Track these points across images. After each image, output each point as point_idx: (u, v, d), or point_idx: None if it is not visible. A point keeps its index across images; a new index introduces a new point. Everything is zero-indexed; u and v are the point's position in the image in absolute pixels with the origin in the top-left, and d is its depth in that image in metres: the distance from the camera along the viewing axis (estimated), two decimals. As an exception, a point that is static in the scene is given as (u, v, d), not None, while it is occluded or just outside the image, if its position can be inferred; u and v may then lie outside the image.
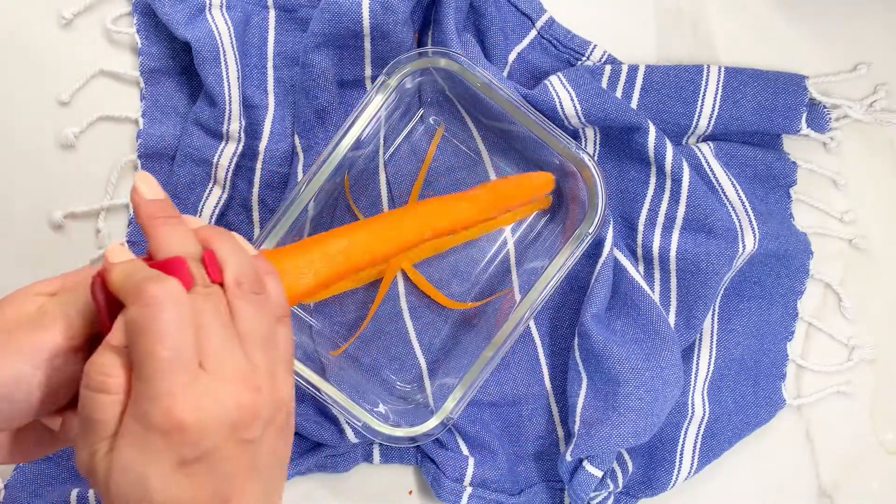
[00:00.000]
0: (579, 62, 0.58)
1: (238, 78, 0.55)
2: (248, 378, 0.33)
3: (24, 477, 0.56)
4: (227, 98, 0.54)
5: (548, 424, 0.58)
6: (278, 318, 0.36)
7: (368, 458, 0.58)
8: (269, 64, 0.57)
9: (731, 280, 0.57)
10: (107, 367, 0.32)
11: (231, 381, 0.32)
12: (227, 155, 0.55)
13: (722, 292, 0.57)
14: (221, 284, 0.35)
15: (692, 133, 0.58)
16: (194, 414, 0.31)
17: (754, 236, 0.55)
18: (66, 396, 0.35)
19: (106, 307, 0.34)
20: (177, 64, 0.58)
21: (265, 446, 0.34)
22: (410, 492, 0.58)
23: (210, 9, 0.56)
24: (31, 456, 0.37)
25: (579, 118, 0.55)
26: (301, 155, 0.56)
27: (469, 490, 0.56)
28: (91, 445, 0.32)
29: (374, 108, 0.51)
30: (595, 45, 0.58)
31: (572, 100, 0.54)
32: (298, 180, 0.54)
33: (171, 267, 0.33)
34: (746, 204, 0.56)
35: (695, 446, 0.57)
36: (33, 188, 0.57)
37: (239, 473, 0.33)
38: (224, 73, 0.55)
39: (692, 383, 0.57)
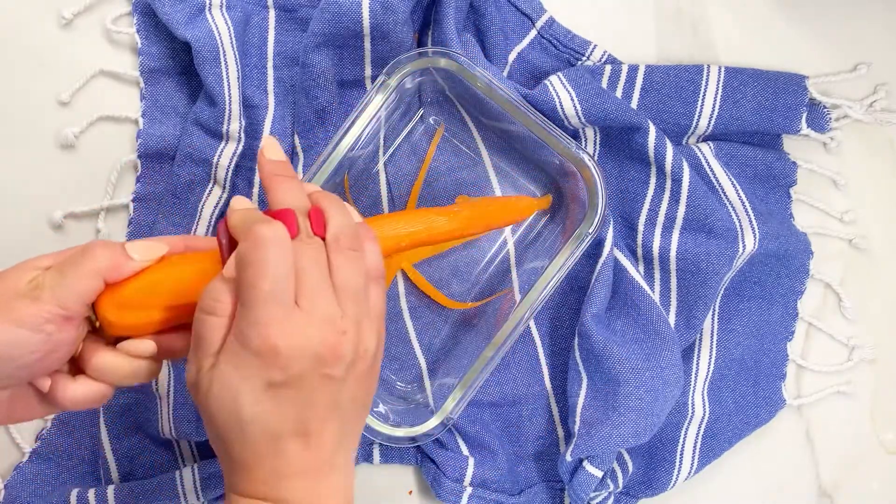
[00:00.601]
0: (579, 62, 0.58)
1: (238, 78, 0.55)
2: (335, 321, 0.37)
3: (24, 477, 0.56)
4: (227, 98, 0.54)
5: (548, 424, 0.58)
6: (372, 277, 0.39)
7: (368, 458, 0.58)
8: (269, 64, 0.57)
9: (731, 280, 0.57)
10: (217, 293, 0.37)
11: (320, 320, 0.36)
12: (227, 155, 0.55)
13: (722, 292, 0.57)
14: (324, 239, 0.39)
15: (692, 133, 0.58)
16: (285, 341, 0.35)
17: (754, 236, 0.55)
18: (57, 360, 0.38)
19: (228, 246, 0.38)
20: (177, 64, 0.58)
21: (346, 389, 0.38)
22: (410, 492, 0.58)
23: (210, 9, 0.56)
24: (24, 417, 0.40)
25: (579, 118, 0.55)
26: (301, 155, 0.56)
27: (469, 490, 0.56)
28: (198, 361, 0.37)
29: (374, 108, 0.51)
30: (595, 45, 0.58)
31: (572, 100, 0.54)
32: (298, 180, 0.54)
33: (281, 216, 0.38)
34: (746, 204, 0.56)
35: (695, 446, 0.57)
36: (33, 188, 0.57)
37: (320, 406, 0.37)
38: (224, 73, 0.55)
39: (692, 383, 0.57)
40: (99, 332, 0.40)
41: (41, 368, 0.38)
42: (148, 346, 0.40)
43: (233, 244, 0.38)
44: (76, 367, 0.40)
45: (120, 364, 0.40)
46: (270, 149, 0.41)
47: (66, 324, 0.38)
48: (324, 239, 0.39)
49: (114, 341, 0.40)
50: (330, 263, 0.38)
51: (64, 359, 0.39)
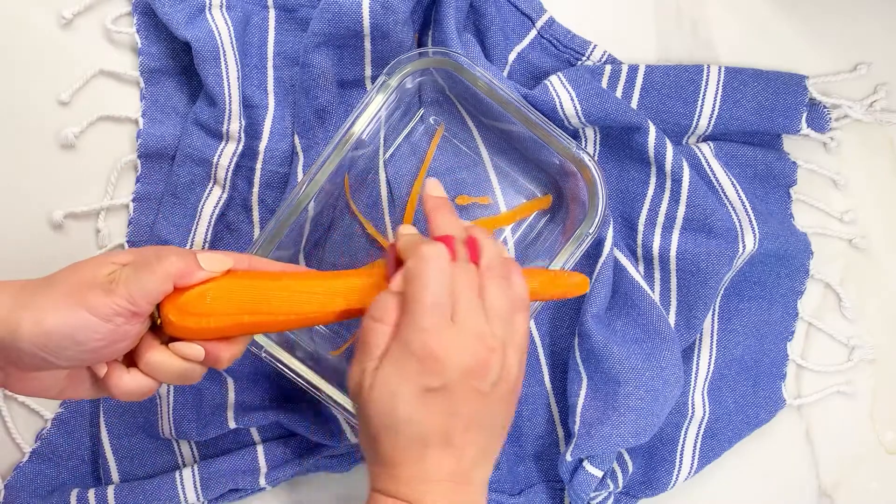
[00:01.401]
0: (579, 62, 0.58)
1: (238, 78, 0.55)
2: (484, 338, 0.40)
3: (24, 477, 0.56)
4: (227, 98, 0.54)
5: (548, 424, 0.58)
6: (518, 306, 0.43)
7: (368, 458, 0.58)
8: (269, 64, 0.57)
9: (731, 280, 0.57)
10: (385, 304, 0.41)
11: (473, 335, 0.40)
12: (227, 155, 0.55)
13: (722, 292, 0.57)
14: (477, 266, 0.43)
15: (692, 133, 0.58)
16: (443, 349, 0.39)
17: (754, 236, 0.55)
18: (118, 350, 0.41)
19: (394, 265, 0.43)
20: (177, 64, 0.58)
21: (489, 406, 0.41)
22: (410, 492, 0.58)
23: (210, 9, 0.56)
24: (73, 395, 0.43)
25: (579, 118, 0.55)
26: (301, 155, 0.56)
27: (469, 490, 0.56)
28: (363, 363, 0.40)
29: (374, 108, 0.51)
30: (595, 45, 0.58)
31: (572, 100, 0.54)
32: (298, 180, 0.54)
33: (442, 241, 0.42)
34: (746, 204, 0.56)
35: (695, 446, 0.57)
36: (33, 188, 0.57)
37: (464, 418, 0.40)
38: (224, 73, 0.55)
39: (692, 383, 0.57)
40: (157, 331, 0.43)
41: (103, 355, 0.41)
42: (197, 350, 0.43)
43: (398, 265, 0.42)
44: (130, 360, 0.43)
45: (170, 363, 0.42)
46: (434, 188, 0.47)
47: (133, 318, 0.40)
48: (476, 265, 0.43)
49: (168, 342, 0.43)
50: (481, 288, 0.42)
51: (124, 350, 0.41)
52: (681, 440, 0.56)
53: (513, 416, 0.43)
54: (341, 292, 0.44)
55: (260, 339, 0.51)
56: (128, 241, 0.57)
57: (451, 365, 0.39)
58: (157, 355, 0.42)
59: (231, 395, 0.56)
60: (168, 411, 0.55)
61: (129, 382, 0.42)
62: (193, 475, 0.55)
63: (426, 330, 0.39)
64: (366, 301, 0.43)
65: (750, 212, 0.56)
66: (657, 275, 0.56)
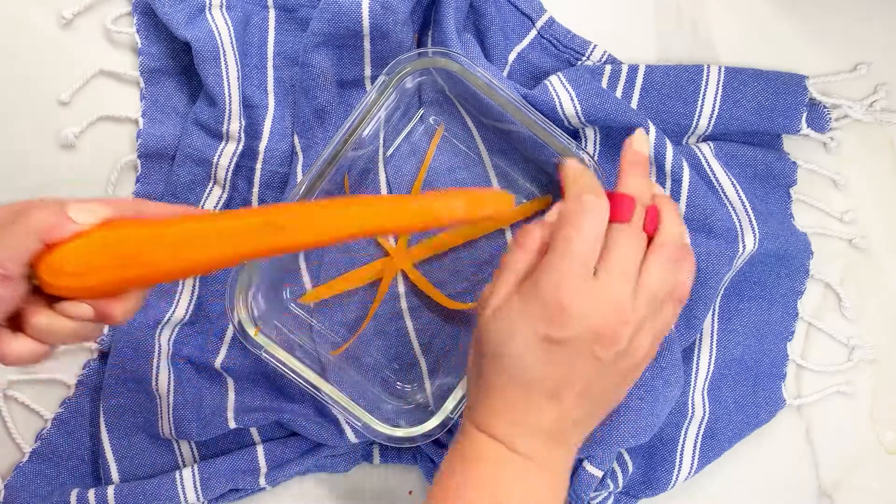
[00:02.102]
0: (579, 62, 0.58)
1: (238, 78, 0.55)
2: (623, 309, 0.38)
3: (24, 477, 0.56)
4: (227, 98, 0.54)
5: (548, 424, 0.58)
6: (675, 296, 0.41)
7: (368, 458, 0.58)
8: (269, 64, 0.57)
9: (731, 280, 0.57)
10: (533, 231, 0.40)
11: (610, 300, 0.38)
12: (227, 155, 0.55)
13: (722, 292, 0.57)
14: (650, 239, 0.41)
15: (692, 133, 0.58)
16: (573, 302, 0.37)
17: (754, 236, 0.55)
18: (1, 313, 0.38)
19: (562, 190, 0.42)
20: (177, 64, 0.58)
21: (605, 376, 0.39)
22: (410, 492, 0.58)
23: (210, 9, 0.56)
24: None
25: (579, 118, 0.55)
26: (301, 155, 0.56)
27: (469, 490, 0.56)
28: (497, 287, 0.40)
29: (373, 108, 0.51)
30: (595, 45, 0.58)
31: (572, 100, 0.54)
32: (298, 180, 0.54)
33: (620, 199, 0.41)
34: (746, 204, 0.56)
35: (695, 446, 0.57)
36: (33, 188, 0.57)
37: (577, 379, 0.38)
38: (224, 73, 0.55)
39: (692, 383, 0.57)
40: (41, 290, 0.39)
41: None
42: (84, 309, 0.39)
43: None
44: (18, 323, 0.40)
45: (58, 325, 0.39)
46: (640, 141, 0.44)
47: (3, 282, 0.37)
48: (650, 240, 0.41)
49: (56, 300, 0.39)
50: (645, 261, 0.40)
51: (5, 314, 0.38)
52: (681, 440, 0.56)
53: (624, 396, 0.42)
54: (228, 234, 0.39)
55: (260, 339, 0.51)
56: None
57: (576, 321, 0.38)
58: (43, 318, 0.39)
59: (231, 395, 0.56)
60: (168, 411, 0.55)
61: (18, 348, 0.39)
62: (193, 475, 0.55)
63: (562, 275, 0.38)
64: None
65: (750, 212, 0.56)
66: (657, 275, 0.56)
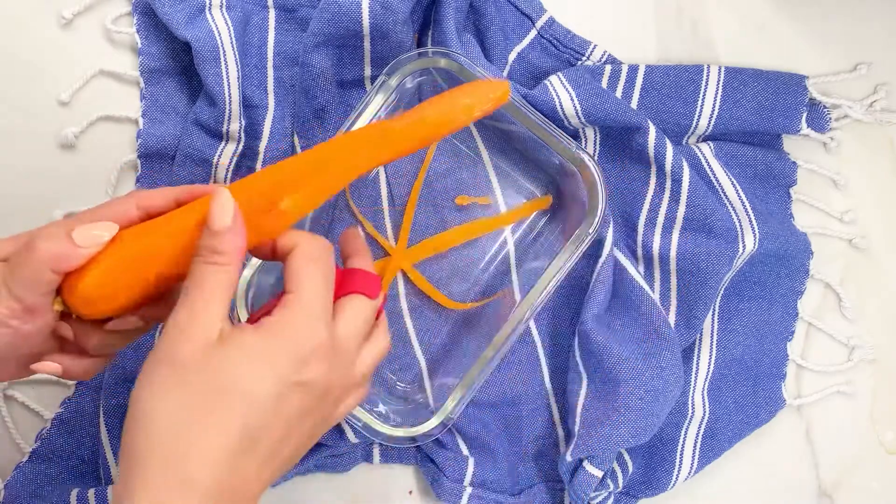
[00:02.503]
0: (579, 62, 0.58)
1: (238, 78, 0.55)
2: (319, 345, 0.37)
3: (24, 477, 0.56)
4: (227, 98, 0.54)
5: (548, 424, 0.58)
6: (355, 383, 0.40)
7: (368, 458, 0.58)
8: (269, 64, 0.57)
9: (731, 280, 0.57)
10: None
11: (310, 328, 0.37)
12: (227, 155, 0.55)
13: (722, 292, 0.57)
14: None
15: (692, 133, 0.58)
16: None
17: (754, 236, 0.55)
18: (34, 345, 0.38)
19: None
20: (177, 64, 0.58)
21: (303, 412, 0.37)
22: (411, 492, 0.58)
23: (210, 9, 0.56)
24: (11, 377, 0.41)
25: (579, 118, 0.55)
26: (301, 155, 0.56)
27: (469, 490, 0.56)
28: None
29: (374, 108, 0.51)
30: (595, 45, 0.58)
31: (572, 100, 0.54)
32: (298, 180, 0.54)
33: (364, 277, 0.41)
34: (746, 204, 0.56)
35: (695, 446, 0.57)
36: (33, 188, 0.57)
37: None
38: (224, 73, 0.55)
39: (692, 383, 0.57)
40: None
41: (21, 357, 0.38)
42: (133, 322, 0.40)
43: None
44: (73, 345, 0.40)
45: (114, 339, 0.40)
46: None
47: (30, 316, 0.37)
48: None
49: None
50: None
51: (41, 343, 0.39)
52: (681, 440, 0.56)
53: (318, 437, 0.40)
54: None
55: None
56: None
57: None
58: (98, 339, 0.39)
59: (231, 395, 0.56)
60: (168, 411, 0.55)
61: (90, 367, 0.40)
62: (193, 475, 0.55)
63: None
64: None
65: (750, 212, 0.56)
66: (657, 275, 0.56)
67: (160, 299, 0.40)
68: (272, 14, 0.58)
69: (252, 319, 0.39)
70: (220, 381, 0.34)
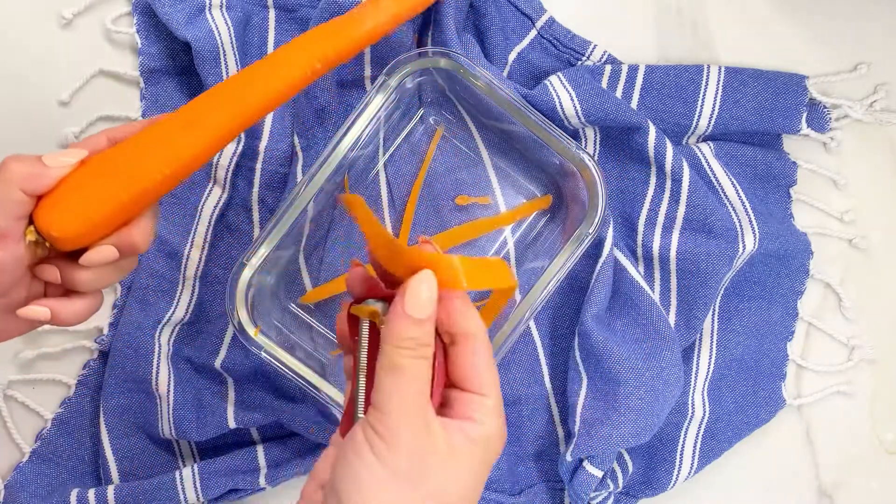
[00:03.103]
0: (579, 62, 0.58)
1: (238, 78, 0.55)
2: None
3: (23, 477, 0.56)
4: (227, 98, 0.54)
5: (548, 424, 0.58)
6: None
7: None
8: (269, 64, 0.57)
9: (731, 280, 0.57)
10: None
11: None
12: (226, 155, 0.55)
13: (722, 292, 0.57)
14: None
15: (692, 133, 0.58)
16: None
17: (754, 236, 0.55)
18: (10, 281, 0.38)
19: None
20: (177, 64, 0.58)
21: None
22: (410, 492, 0.58)
23: (210, 9, 0.56)
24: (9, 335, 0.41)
25: (579, 118, 0.55)
26: (300, 155, 0.56)
27: (469, 490, 0.56)
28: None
29: (373, 108, 0.51)
30: (595, 45, 0.58)
31: (572, 100, 0.54)
32: (298, 180, 0.54)
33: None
34: (746, 204, 0.56)
35: (695, 446, 0.57)
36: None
37: None
38: (224, 73, 0.55)
39: (692, 383, 0.57)
40: (68, 255, 0.40)
41: (2, 305, 0.38)
42: (108, 251, 0.40)
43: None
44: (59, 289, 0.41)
45: (101, 273, 0.40)
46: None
47: (2, 241, 0.37)
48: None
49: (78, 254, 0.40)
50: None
51: (17, 280, 0.39)
52: (681, 440, 0.56)
53: None
54: (199, 123, 0.39)
55: (260, 339, 0.51)
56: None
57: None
58: (83, 275, 0.40)
59: (231, 395, 0.56)
60: (168, 411, 0.55)
61: (80, 308, 0.41)
62: (193, 475, 0.55)
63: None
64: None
65: (750, 212, 0.56)
66: (657, 275, 0.56)
67: (135, 221, 0.40)
68: (272, 14, 0.58)
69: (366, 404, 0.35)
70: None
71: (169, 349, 0.56)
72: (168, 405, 0.55)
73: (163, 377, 0.55)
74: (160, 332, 0.56)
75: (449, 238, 0.57)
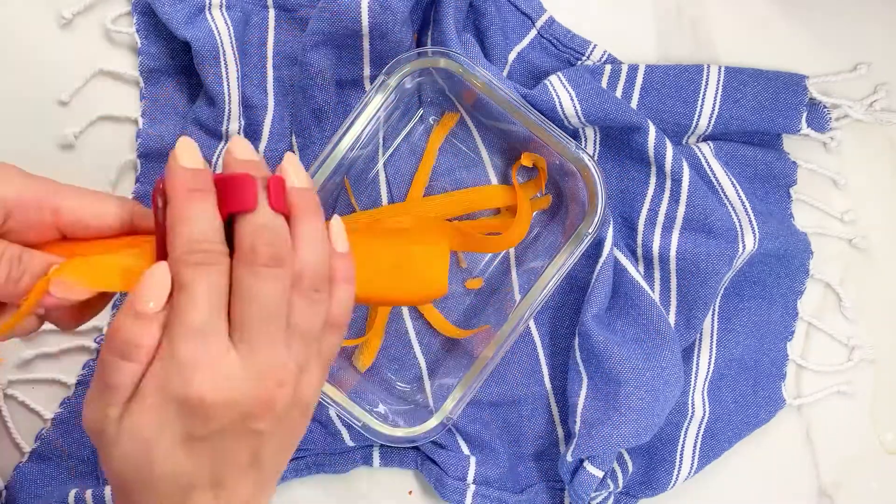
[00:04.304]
0: (579, 62, 0.58)
1: (238, 78, 0.55)
2: (274, 370, 0.32)
3: (23, 477, 0.56)
4: (226, 98, 0.54)
5: (548, 424, 0.58)
6: (332, 324, 0.35)
7: (368, 461, 0.58)
8: (269, 64, 0.57)
9: (731, 280, 0.57)
10: (132, 331, 0.31)
11: (257, 369, 0.32)
12: (226, 155, 0.55)
13: (722, 292, 0.57)
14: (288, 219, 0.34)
15: (692, 133, 0.58)
16: (212, 392, 0.31)
17: (754, 236, 0.55)
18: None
19: (163, 217, 0.32)
20: (177, 64, 0.58)
21: (272, 442, 0.34)
22: (410, 492, 0.58)
23: (210, 8, 0.56)
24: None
25: (579, 118, 0.55)
26: (298, 154, 0.56)
27: (473, 488, 0.56)
28: (104, 408, 0.32)
29: (373, 108, 0.51)
30: (595, 45, 0.58)
31: (572, 99, 0.54)
32: (298, 180, 0.54)
33: (232, 181, 0.32)
34: (746, 204, 0.56)
35: (695, 446, 0.57)
36: (33, 188, 0.57)
37: (239, 460, 0.33)
38: (224, 73, 0.55)
39: (692, 383, 0.57)
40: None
41: None
42: (28, 323, 0.37)
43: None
44: None
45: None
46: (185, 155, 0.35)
47: None
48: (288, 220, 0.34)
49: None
50: (289, 302, 0.33)
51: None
52: (681, 440, 0.56)
53: (305, 431, 0.36)
54: (112, 269, 0.34)
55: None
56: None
57: (221, 410, 0.31)
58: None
59: (231, 395, 0.56)
60: (168, 411, 0.55)
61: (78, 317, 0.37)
62: (193, 475, 0.55)
63: (190, 365, 0.31)
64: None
65: (750, 212, 0.56)
66: (657, 275, 0.56)
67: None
68: (272, 14, 0.58)
69: None
70: None
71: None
72: (168, 405, 0.55)
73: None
74: (160, 332, 0.56)
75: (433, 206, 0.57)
